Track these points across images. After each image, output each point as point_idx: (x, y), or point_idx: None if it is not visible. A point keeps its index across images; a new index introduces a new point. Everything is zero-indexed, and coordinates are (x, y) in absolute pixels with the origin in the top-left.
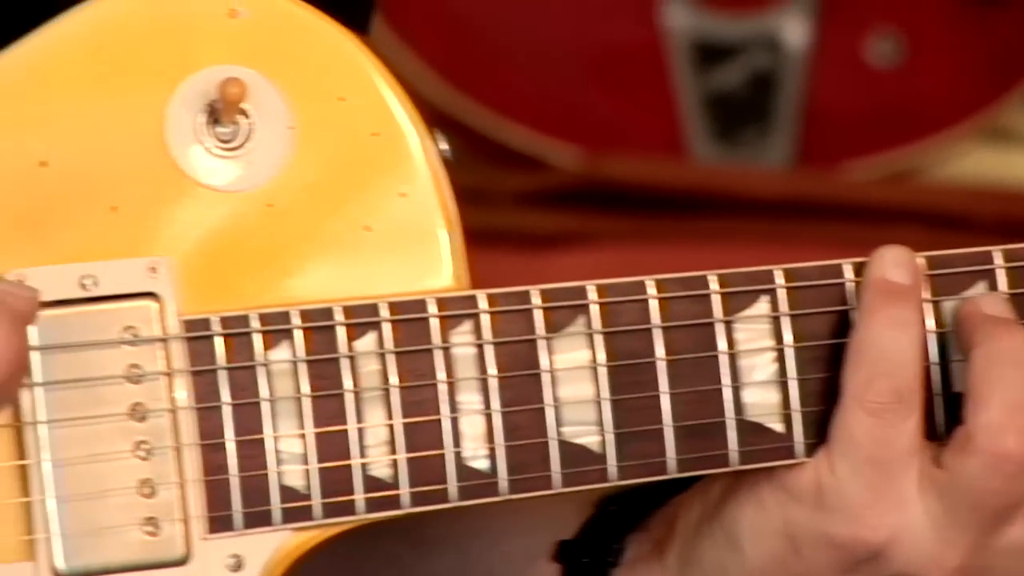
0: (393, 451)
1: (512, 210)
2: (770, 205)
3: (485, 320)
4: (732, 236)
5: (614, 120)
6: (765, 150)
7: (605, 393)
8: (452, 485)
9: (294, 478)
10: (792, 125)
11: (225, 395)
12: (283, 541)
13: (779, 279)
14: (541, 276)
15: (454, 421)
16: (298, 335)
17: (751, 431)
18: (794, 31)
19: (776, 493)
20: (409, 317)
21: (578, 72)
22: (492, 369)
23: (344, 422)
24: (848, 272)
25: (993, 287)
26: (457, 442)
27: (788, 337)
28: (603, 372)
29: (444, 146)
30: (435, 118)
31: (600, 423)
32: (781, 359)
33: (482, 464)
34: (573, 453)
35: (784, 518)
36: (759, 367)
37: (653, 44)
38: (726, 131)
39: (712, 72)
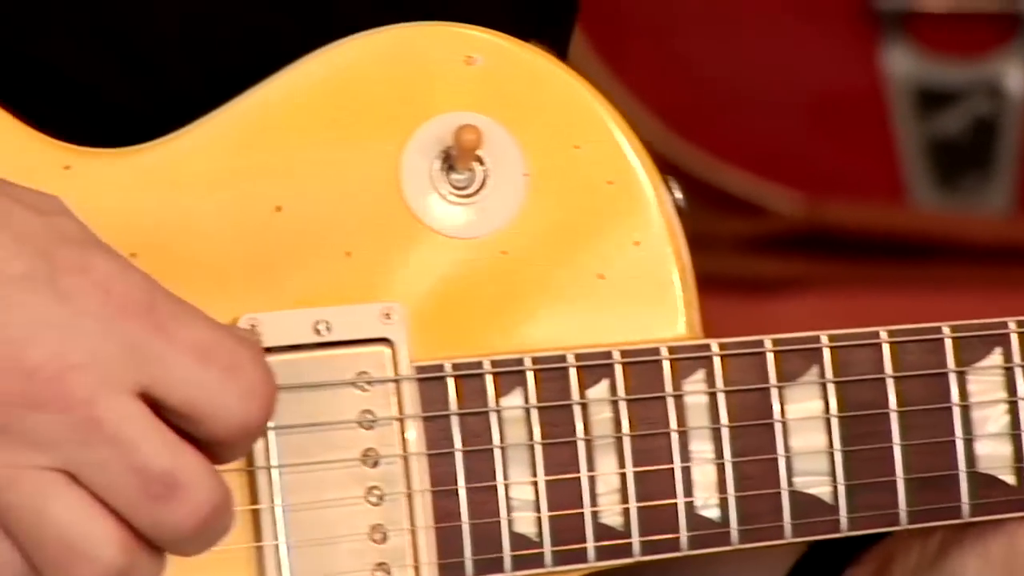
0: (624, 499)
1: (732, 256)
2: (991, 251)
3: (718, 369)
4: (953, 282)
5: (835, 166)
6: (986, 196)
7: (837, 443)
8: (683, 534)
9: (525, 525)
10: (1013, 171)
11: (457, 441)
12: None
13: (1013, 330)
14: (760, 322)
15: (686, 470)
16: (531, 382)
17: (983, 483)
18: (1015, 78)
19: (1004, 546)
20: (641, 362)
21: (799, 117)
22: (724, 418)
23: (576, 470)
24: None
25: (1008, 354)
26: (689, 491)
27: (1022, 389)
28: (836, 422)
29: (678, 195)
30: (659, 162)
31: (832, 473)
32: (1014, 411)
33: (713, 513)
34: (805, 503)
35: (1012, 571)
36: (992, 419)
37: (874, 90)
38: (947, 177)
39: (933, 118)
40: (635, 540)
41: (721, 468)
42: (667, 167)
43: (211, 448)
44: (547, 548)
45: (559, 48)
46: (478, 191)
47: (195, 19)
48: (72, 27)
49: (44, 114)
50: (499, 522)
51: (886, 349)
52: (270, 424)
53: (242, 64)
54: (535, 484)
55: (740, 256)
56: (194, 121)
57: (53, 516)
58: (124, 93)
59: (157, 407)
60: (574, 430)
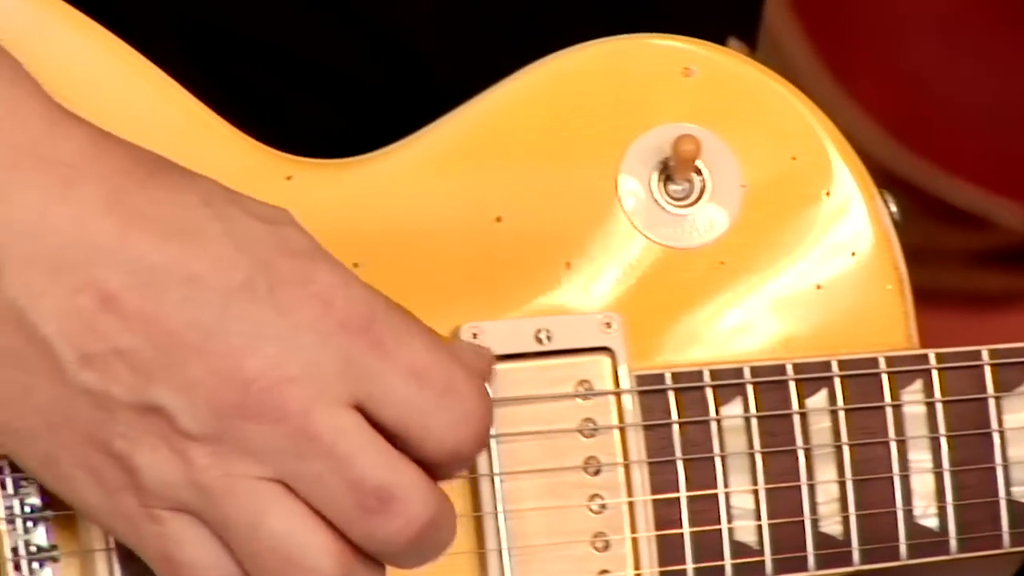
0: (844, 508)
1: (957, 269)
2: None
3: (936, 379)
4: None
5: None
6: None
7: None
8: (902, 543)
9: (746, 534)
10: None
11: (677, 450)
12: None
13: None
14: (986, 336)
15: (904, 479)
16: (750, 391)
17: None
18: None
19: None
20: (860, 373)
21: None
22: (942, 428)
23: (796, 478)
24: None
25: None
26: (907, 500)
27: None
28: None
29: (893, 208)
30: (879, 173)
31: None
32: None
33: (931, 523)
34: (1022, 513)
35: None
36: None
37: None
38: None
39: None
40: (855, 548)
41: (939, 477)
42: (891, 178)
43: (423, 467)
44: (767, 556)
45: (749, 41)
46: (696, 201)
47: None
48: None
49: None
50: (720, 530)
51: None
52: (492, 431)
53: (454, 78)
54: (755, 492)
55: (966, 270)
56: (413, 133)
57: (269, 526)
58: (378, 82)
59: (371, 422)
60: (793, 439)
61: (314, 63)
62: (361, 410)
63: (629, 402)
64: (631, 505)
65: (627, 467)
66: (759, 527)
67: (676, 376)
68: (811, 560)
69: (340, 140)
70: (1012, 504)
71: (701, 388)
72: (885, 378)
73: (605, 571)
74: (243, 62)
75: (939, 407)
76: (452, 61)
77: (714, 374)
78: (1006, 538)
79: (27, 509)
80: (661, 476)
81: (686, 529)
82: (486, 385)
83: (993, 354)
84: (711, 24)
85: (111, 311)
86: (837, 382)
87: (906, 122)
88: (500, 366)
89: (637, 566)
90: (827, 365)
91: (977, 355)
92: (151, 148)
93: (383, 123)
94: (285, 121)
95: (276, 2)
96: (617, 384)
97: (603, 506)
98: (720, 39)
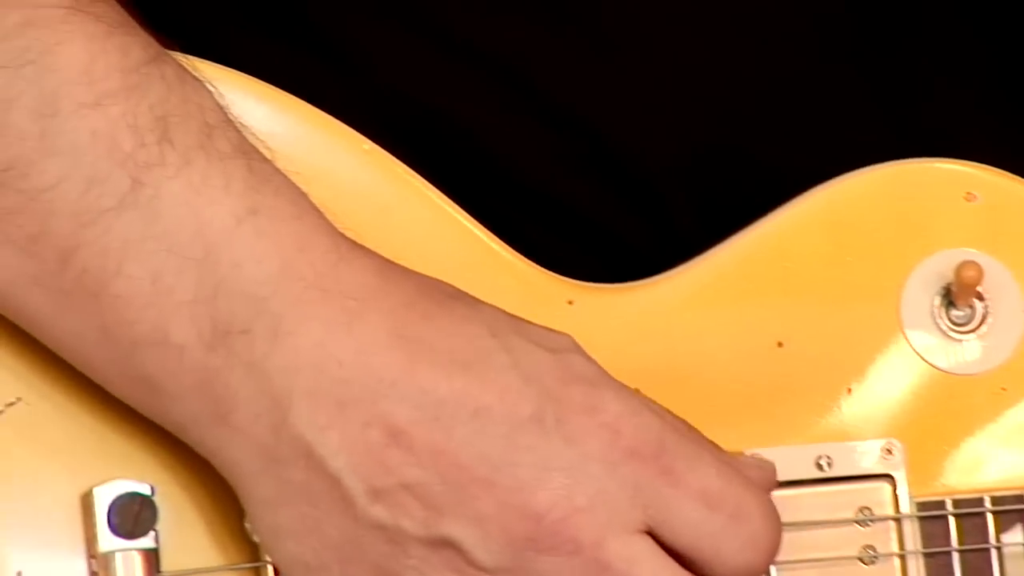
0: None
1: None
2: None
3: None
4: None
5: None
6: None
7: None
8: None
9: None
10: None
11: None
12: None
13: None
14: None
15: None
16: None
17: None
18: None
19: None
20: None
21: None
22: None
23: None
24: None
25: None
26: None
27: None
28: None
29: None
30: None
31: None
32: None
33: None
34: None
35: None
36: None
37: None
38: None
39: None
40: None
41: None
42: None
43: None
44: None
45: None
46: (977, 327)
47: (691, 152)
48: (565, 158)
49: (542, 242)
50: None
51: None
52: None
53: (732, 198)
54: None
55: None
56: (693, 257)
57: None
58: (621, 224)
59: (661, 544)
60: None
61: (561, 203)
62: (651, 534)
63: (909, 529)
64: None
65: None
66: None
67: (957, 503)
68: None
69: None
70: None
71: (982, 514)
72: None
73: None
74: (499, 201)
75: None
76: (695, 210)
77: (995, 500)
78: None
79: None
80: None
81: None
82: (773, 502)
83: None
84: (995, 148)
85: (400, 445)
86: None
87: None
88: (780, 492)
89: None
90: None
91: None
92: (435, 273)
93: (627, 265)
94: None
95: (531, 147)
96: (897, 510)
97: None
98: (1005, 164)
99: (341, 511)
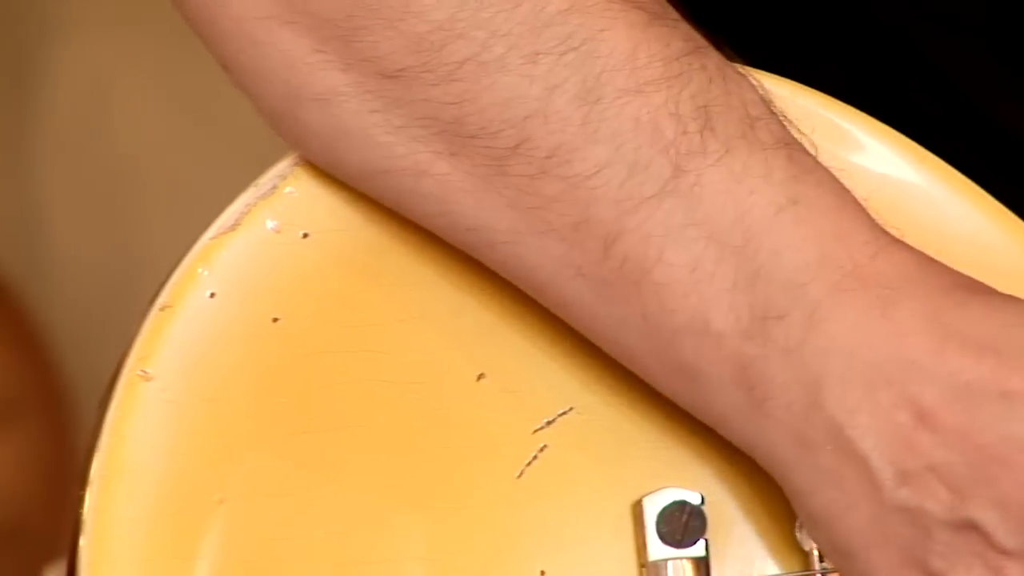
0: None
1: None
2: None
3: None
4: None
5: None
6: None
7: None
8: None
9: None
10: None
11: None
12: None
13: None
14: None
15: None
16: None
17: None
18: None
19: None
20: None
21: None
22: None
23: None
24: None
25: None
26: None
27: None
28: None
29: None
30: None
31: None
32: None
33: None
34: None
35: None
36: None
37: None
38: None
39: None
40: None
41: None
42: None
43: None
44: None
45: None
46: None
47: None
48: None
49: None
50: None
51: None
52: None
53: None
54: None
55: None
56: None
57: None
58: None
59: None
60: None
61: None
62: None
63: None
64: None
65: None
66: None
67: None
68: None
69: None
70: None
71: None
72: None
73: None
74: None
75: None
76: None
77: None
78: None
79: None
80: None
81: None
82: None
83: None
84: None
85: (927, 427)
86: None
87: None
88: None
89: None
90: None
91: None
92: (969, 272)
93: None
94: None
95: None
96: None
97: None
98: None
99: (868, 495)
